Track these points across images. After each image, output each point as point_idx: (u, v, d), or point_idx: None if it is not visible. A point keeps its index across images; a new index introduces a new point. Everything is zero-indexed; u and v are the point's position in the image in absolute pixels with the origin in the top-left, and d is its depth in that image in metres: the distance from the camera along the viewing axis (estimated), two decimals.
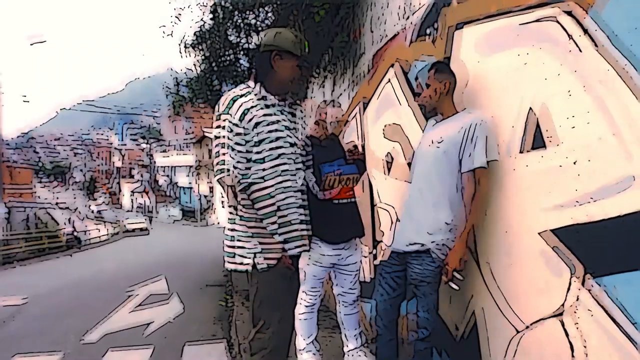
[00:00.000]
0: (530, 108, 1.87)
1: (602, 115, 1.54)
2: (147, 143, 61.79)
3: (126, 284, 8.21)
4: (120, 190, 67.76)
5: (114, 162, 75.08)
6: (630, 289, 1.47)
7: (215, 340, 4.49)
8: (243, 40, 5.62)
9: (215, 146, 2.09)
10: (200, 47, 5.79)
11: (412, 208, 2.34)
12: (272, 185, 2.09)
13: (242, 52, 5.79)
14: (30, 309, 6.94)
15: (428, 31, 2.70)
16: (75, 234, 21.53)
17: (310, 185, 2.78)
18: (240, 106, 2.06)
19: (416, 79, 2.57)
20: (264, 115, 2.10)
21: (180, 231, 33.48)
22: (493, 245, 2.15)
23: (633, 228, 1.44)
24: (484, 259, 2.24)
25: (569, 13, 1.66)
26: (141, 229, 32.15)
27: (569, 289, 1.70)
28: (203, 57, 5.95)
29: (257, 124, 2.07)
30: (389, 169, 3.35)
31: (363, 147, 3.87)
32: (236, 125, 2.05)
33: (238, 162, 2.04)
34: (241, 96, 2.10)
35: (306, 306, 3.02)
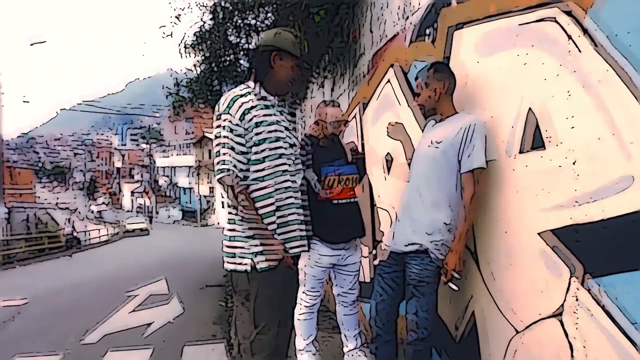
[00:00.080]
0: (530, 108, 1.87)
1: (601, 116, 1.54)
2: (147, 143, 61.84)
3: (126, 285, 8.21)
4: (120, 191, 67.80)
5: (114, 163, 75.15)
6: (629, 289, 1.46)
7: (215, 341, 4.50)
8: (243, 41, 5.62)
9: (216, 146, 2.09)
10: (200, 48, 5.79)
11: (411, 208, 2.34)
12: (271, 185, 2.09)
13: (242, 53, 5.79)
14: (30, 310, 6.94)
15: (427, 31, 2.70)
16: (75, 234, 21.53)
17: (312, 184, 2.79)
18: (241, 106, 2.06)
19: (416, 79, 2.57)
20: (264, 115, 2.11)
21: (180, 232, 33.49)
22: (493, 246, 2.15)
23: (633, 228, 1.44)
24: (483, 259, 2.24)
25: (569, 13, 1.66)
26: (141, 230, 32.17)
27: (568, 289, 1.69)
28: (203, 58, 5.95)
29: (257, 124, 2.07)
30: (388, 169, 3.35)
31: (363, 147, 3.87)
32: (236, 125, 2.05)
33: (238, 161, 2.05)
34: (241, 96, 2.10)
35: (306, 307, 3.02)
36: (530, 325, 1.90)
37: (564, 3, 1.68)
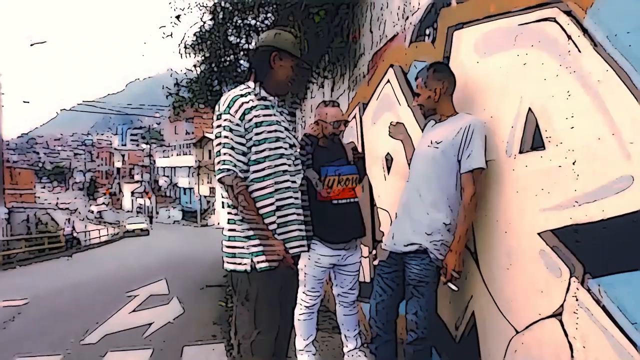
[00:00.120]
0: (530, 108, 1.87)
1: (601, 116, 1.54)
2: (147, 144, 61.87)
3: (126, 285, 8.21)
4: (120, 191, 67.82)
5: (114, 163, 75.19)
6: (629, 289, 1.46)
7: (215, 341, 4.50)
8: (243, 41, 5.62)
9: (216, 146, 2.09)
10: (200, 48, 5.79)
11: (411, 208, 2.34)
12: (271, 185, 2.09)
13: (242, 53, 5.79)
14: (31, 310, 6.94)
15: (427, 32, 2.70)
16: (74, 234, 21.53)
17: (313, 183, 2.79)
18: (241, 106, 2.07)
19: (416, 79, 2.57)
20: (265, 115, 2.11)
21: (180, 232, 33.50)
22: (492, 246, 2.15)
23: (632, 228, 1.44)
24: (483, 259, 2.24)
25: (568, 13, 1.66)
26: (141, 230, 32.19)
27: (568, 289, 1.69)
28: (203, 58, 5.95)
29: (257, 124, 2.08)
30: (388, 169, 3.35)
31: (363, 147, 3.87)
32: (237, 125, 2.05)
33: (239, 161, 2.05)
34: (241, 96, 2.10)
35: (306, 307, 3.02)
36: (530, 325, 1.90)
37: (564, 3, 1.68)
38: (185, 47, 5.81)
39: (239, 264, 2.08)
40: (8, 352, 4.60)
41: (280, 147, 2.13)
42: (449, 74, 2.29)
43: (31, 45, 23.98)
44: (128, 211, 57.71)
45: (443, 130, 2.26)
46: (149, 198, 50.45)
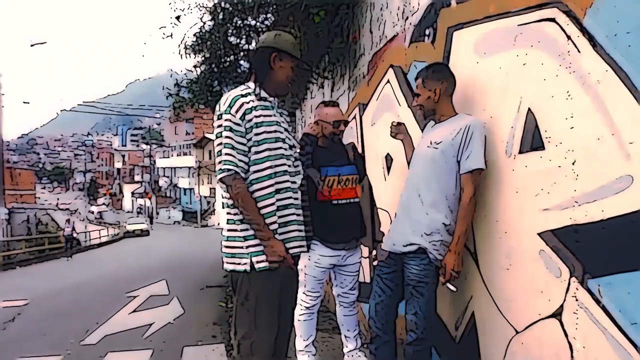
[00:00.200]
0: (529, 108, 1.87)
1: (601, 116, 1.54)
2: (147, 144, 61.90)
3: (126, 286, 8.22)
4: (120, 192, 67.84)
5: (114, 164, 75.22)
6: (629, 289, 1.46)
7: (215, 342, 4.50)
8: (243, 42, 5.62)
9: (217, 146, 2.10)
10: (200, 49, 5.79)
11: (410, 208, 2.34)
12: (272, 185, 2.09)
13: (242, 54, 5.79)
14: (31, 311, 6.94)
15: (427, 32, 2.70)
16: (74, 235, 21.55)
17: (315, 182, 2.79)
18: (242, 106, 2.07)
19: (416, 79, 2.57)
20: (265, 116, 2.11)
21: (180, 232, 33.53)
22: (492, 246, 2.15)
23: (632, 228, 1.44)
24: (483, 260, 2.23)
25: (568, 13, 1.66)
26: (142, 231, 32.21)
27: (568, 289, 1.69)
28: (203, 59, 5.95)
29: (257, 125, 2.08)
30: (388, 169, 3.35)
31: (363, 147, 3.87)
32: (238, 124, 2.05)
33: (240, 161, 2.05)
34: (242, 96, 2.11)
35: (306, 307, 3.02)
36: (530, 325, 1.90)
37: (563, 3, 1.68)
38: (186, 48, 5.81)
39: (238, 264, 2.08)
40: (8, 352, 4.60)
41: (280, 148, 2.14)
42: (448, 75, 2.29)
43: (31, 45, 23.99)
44: (128, 212, 57.76)
45: (443, 130, 2.26)
46: (149, 199, 50.46)
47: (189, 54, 5.85)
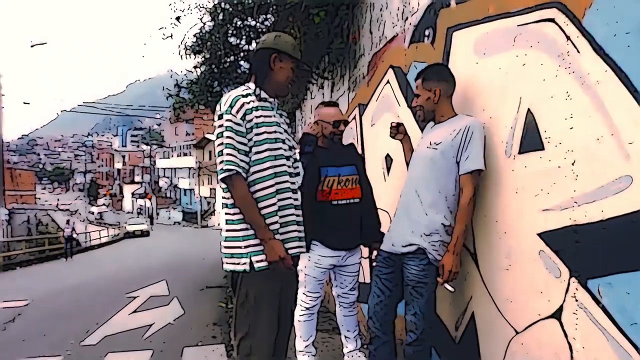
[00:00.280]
0: (529, 109, 1.87)
1: (600, 116, 1.54)
2: (147, 144, 61.92)
3: (126, 286, 8.22)
4: (121, 192, 67.86)
5: (114, 164, 75.24)
6: (629, 289, 1.46)
7: (215, 343, 4.50)
8: (243, 42, 5.62)
9: (218, 146, 2.10)
10: (200, 49, 5.79)
11: (409, 209, 2.34)
12: (272, 185, 2.09)
13: (242, 54, 5.80)
14: (31, 312, 6.94)
15: (427, 32, 2.70)
16: (75, 236, 21.56)
17: (317, 181, 2.79)
18: (242, 106, 2.07)
19: (415, 80, 2.57)
20: (265, 116, 2.12)
21: (180, 233, 33.53)
22: (492, 246, 2.15)
23: (632, 228, 1.43)
24: (482, 260, 2.23)
25: (567, 14, 1.66)
26: (142, 231, 32.22)
27: (567, 290, 1.69)
28: (203, 59, 5.96)
29: (258, 125, 2.08)
30: (388, 170, 3.36)
31: (362, 148, 3.87)
32: (239, 125, 2.06)
33: (241, 161, 2.05)
34: (243, 97, 2.11)
35: (306, 308, 3.02)
36: (530, 325, 1.90)
37: (563, 4, 1.68)
38: (186, 49, 5.82)
39: (238, 263, 2.07)
40: (8, 353, 4.60)
41: (280, 149, 2.14)
42: (448, 75, 2.29)
43: (31, 46, 24.01)
44: (128, 212, 57.77)
45: (442, 131, 2.26)
46: (150, 199, 50.48)
47: (189, 55, 5.86)
